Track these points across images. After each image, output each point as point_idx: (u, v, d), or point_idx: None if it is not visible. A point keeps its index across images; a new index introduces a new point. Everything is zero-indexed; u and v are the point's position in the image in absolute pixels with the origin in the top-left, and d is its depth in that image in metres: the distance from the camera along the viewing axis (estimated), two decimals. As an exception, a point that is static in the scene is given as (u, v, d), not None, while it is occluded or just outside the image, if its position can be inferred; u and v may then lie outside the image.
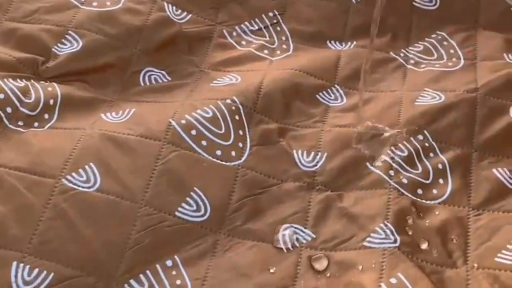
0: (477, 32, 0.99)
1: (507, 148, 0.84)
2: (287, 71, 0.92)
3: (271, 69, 0.93)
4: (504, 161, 0.83)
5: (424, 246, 0.76)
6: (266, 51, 0.97)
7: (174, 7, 0.98)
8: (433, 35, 0.99)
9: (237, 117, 0.85)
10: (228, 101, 0.86)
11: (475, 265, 0.74)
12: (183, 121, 0.82)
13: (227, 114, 0.84)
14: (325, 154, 0.84)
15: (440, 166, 0.83)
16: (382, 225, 0.77)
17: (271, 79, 0.90)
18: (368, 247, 0.75)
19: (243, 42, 0.98)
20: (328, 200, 0.80)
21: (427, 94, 0.89)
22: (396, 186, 0.81)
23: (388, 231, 0.76)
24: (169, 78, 0.92)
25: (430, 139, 0.85)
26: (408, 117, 0.86)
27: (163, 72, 0.92)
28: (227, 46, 0.98)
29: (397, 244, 0.75)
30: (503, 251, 0.74)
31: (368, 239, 0.76)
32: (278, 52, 0.97)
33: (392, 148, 0.84)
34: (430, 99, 0.88)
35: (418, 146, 0.84)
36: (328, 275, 0.73)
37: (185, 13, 0.98)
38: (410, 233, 0.76)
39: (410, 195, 0.80)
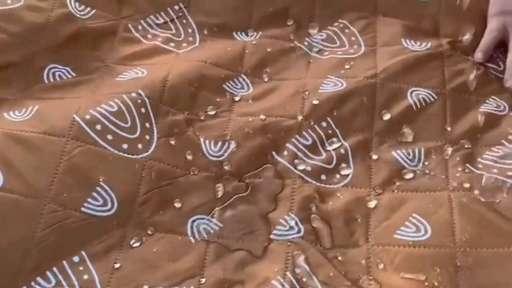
0: (376, 19, 1.02)
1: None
2: (193, 63, 0.93)
3: (177, 62, 0.93)
4: (403, 144, 0.87)
5: (325, 231, 0.78)
6: (172, 44, 0.97)
7: (77, 3, 0.97)
8: (335, 24, 1.02)
9: (143, 110, 0.85)
10: (134, 94, 0.86)
11: (375, 242, 0.77)
12: (88, 116, 0.82)
13: (132, 108, 0.84)
14: (232, 143, 0.85)
15: (342, 151, 0.85)
16: (286, 216, 0.79)
17: (177, 72, 0.90)
18: (273, 239, 0.77)
19: (149, 36, 0.98)
20: (235, 190, 0.81)
21: (330, 82, 0.92)
22: (301, 174, 0.83)
23: (292, 222, 0.78)
24: (74, 74, 0.91)
25: (333, 126, 0.87)
26: (312, 105, 0.89)
27: (67, 68, 0.91)
28: (133, 40, 0.97)
29: (301, 234, 0.77)
30: (402, 228, 0.78)
31: (274, 231, 0.78)
32: (185, 44, 0.98)
33: (297, 136, 0.86)
34: (332, 86, 0.91)
35: (322, 133, 0.86)
36: (235, 266, 0.75)
37: (88, 9, 0.97)
38: (314, 221, 0.79)
39: (314, 182, 0.82)
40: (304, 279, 0.73)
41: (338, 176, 0.84)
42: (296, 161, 0.84)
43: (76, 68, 0.92)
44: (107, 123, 0.82)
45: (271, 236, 0.78)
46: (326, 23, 1.02)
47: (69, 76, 0.91)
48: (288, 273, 0.74)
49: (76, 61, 0.93)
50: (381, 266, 0.75)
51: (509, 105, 0.91)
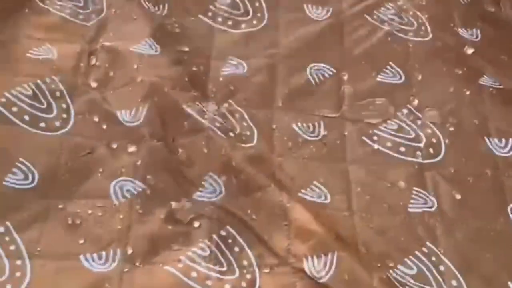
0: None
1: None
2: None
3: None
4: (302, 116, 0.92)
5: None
6: (81, 17, 0.97)
7: None
8: None
9: (57, 94, 0.87)
10: (47, 79, 0.87)
11: None
12: (3, 100, 0.83)
13: (47, 92, 0.86)
14: (146, 107, 0.87)
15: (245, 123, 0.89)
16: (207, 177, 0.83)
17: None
18: (197, 200, 0.81)
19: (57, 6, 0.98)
20: (156, 151, 0.84)
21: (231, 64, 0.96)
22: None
23: (215, 184, 0.82)
24: None
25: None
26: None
27: None
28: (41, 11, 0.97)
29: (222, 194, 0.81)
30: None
31: (197, 193, 0.81)
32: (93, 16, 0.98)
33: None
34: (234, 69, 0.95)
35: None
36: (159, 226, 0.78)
37: None
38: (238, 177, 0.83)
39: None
40: (229, 240, 0.77)
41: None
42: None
43: None
44: (23, 105, 0.84)
45: (194, 197, 0.81)
46: None
47: None
48: (214, 236, 0.77)
49: None
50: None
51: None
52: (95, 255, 0.74)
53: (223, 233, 0.78)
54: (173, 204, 0.79)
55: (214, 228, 0.78)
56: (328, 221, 0.79)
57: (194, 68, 0.93)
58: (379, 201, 0.83)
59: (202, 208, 0.80)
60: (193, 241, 0.77)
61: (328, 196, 0.83)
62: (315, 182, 0.84)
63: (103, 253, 0.74)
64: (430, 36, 1.02)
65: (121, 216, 0.78)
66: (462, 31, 1.03)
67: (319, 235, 0.78)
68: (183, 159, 0.84)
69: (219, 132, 0.86)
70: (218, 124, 0.87)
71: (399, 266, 0.78)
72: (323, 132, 0.89)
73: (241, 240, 0.77)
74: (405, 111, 0.92)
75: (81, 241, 0.75)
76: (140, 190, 0.80)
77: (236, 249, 0.77)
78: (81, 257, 0.74)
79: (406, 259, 0.78)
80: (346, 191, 0.84)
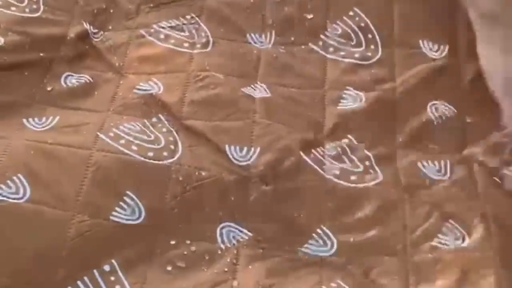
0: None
1: None
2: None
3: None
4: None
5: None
6: (186, 45, 0.95)
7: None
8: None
9: (164, 130, 0.84)
10: (154, 119, 0.85)
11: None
12: (111, 134, 0.82)
13: (154, 130, 0.84)
14: (258, 148, 0.84)
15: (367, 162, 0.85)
16: (318, 230, 0.78)
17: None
18: (307, 253, 0.77)
19: (162, 36, 0.96)
20: (264, 195, 0.80)
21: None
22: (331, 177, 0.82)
23: (325, 237, 0.78)
24: (91, 79, 0.90)
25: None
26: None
27: (83, 75, 0.91)
28: (146, 43, 0.95)
29: (333, 251, 0.77)
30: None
31: (305, 245, 0.77)
32: (198, 46, 0.96)
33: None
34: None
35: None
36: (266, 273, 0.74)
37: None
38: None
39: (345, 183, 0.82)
40: None
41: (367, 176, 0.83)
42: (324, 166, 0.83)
43: (91, 76, 0.91)
44: (130, 138, 0.82)
45: (303, 249, 0.77)
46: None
47: (87, 81, 0.90)
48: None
49: (91, 70, 0.92)
50: None
51: None
52: None
53: (333, 285, 0.74)
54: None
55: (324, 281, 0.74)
56: None
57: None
58: None
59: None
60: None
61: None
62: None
63: None
64: None
65: (226, 263, 0.75)
66: None
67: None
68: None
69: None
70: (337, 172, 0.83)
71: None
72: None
73: None
74: None
75: (187, 282, 0.73)
76: (246, 238, 0.77)
77: None
78: None
79: None
80: None
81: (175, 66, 0.92)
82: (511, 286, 0.73)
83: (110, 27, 0.97)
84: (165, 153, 0.81)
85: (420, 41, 0.97)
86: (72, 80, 0.90)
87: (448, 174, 0.84)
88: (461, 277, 0.74)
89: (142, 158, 0.80)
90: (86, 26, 0.95)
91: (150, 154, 0.81)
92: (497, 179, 0.82)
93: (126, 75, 0.91)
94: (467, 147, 0.86)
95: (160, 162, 0.80)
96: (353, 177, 0.82)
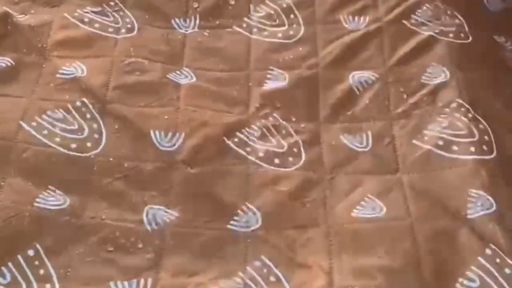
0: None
1: None
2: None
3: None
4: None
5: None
6: (110, 30, 0.96)
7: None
8: None
9: (88, 116, 0.85)
10: (78, 103, 0.86)
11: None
12: (34, 123, 0.82)
13: (77, 116, 0.85)
14: (183, 134, 0.85)
15: (291, 140, 0.86)
16: (243, 206, 0.79)
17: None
18: (232, 230, 0.77)
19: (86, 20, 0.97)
20: (189, 179, 0.81)
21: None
22: (255, 160, 0.84)
23: (250, 213, 0.79)
24: (13, 63, 0.90)
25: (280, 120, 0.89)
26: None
27: (6, 59, 0.90)
28: (69, 26, 0.96)
29: (258, 225, 0.78)
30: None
31: (231, 222, 0.78)
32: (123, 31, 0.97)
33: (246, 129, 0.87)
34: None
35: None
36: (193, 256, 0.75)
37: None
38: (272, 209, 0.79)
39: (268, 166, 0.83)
40: (265, 270, 0.74)
41: (291, 159, 0.84)
42: (248, 148, 0.85)
43: (13, 59, 0.91)
44: (53, 128, 0.82)
45: (228, 226, 0.78)
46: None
47: (8, 64, 0.89)
48: (248, 268, 0.74)
49: (14, 51, 0.91)
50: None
51: (451, 72, 0.92)
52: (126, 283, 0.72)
53: (257, 263, 0.74)
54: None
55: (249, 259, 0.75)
56: None
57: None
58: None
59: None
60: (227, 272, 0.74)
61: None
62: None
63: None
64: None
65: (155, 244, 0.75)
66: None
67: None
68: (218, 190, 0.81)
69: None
70: (261, 154, 0.84)
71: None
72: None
73: (277, 271, 0.74)
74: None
75: (112, 269, 0.73)
76: (173, 218, 0.77)
77: (272, 279, 0.73)
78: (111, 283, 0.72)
79: None
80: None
81: (100, 50, 0.93)
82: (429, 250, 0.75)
83: (32, 11, 0.98)
84: (88, 144, 0.82)
85: (341, 16, 1.00)
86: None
87: (370, 146, 0.86)
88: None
89: (65, 151, 0.81)
90: (8, 9, 0.95)
91: (73, 145, 0.81)
92: (417, 142, 0.85)
93: (50, 57, 0.91)
94: (390, 109, 0.89)
95: (83, 155, 0.81)
96: (276, 160, 0.84)
